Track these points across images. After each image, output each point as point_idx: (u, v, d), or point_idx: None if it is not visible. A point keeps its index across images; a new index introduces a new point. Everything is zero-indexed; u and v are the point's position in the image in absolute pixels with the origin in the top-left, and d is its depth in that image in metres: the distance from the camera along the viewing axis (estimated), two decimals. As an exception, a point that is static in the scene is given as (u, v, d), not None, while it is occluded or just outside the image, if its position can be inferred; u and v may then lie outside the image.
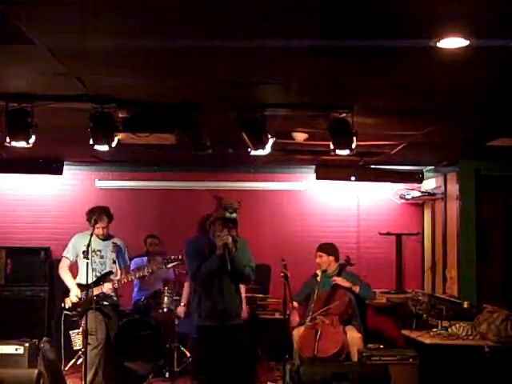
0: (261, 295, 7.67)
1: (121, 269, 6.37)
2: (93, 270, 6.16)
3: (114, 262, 6.29)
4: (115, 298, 6.34)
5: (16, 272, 8.17)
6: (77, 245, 6.27)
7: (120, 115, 5.00)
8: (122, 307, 6.80)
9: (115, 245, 6.35)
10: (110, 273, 6.26)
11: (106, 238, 6.35)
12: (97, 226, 6.17)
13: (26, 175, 8.31)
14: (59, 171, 7.87)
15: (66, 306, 6.26)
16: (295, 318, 6.63)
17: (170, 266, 6.76)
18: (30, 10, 3.03)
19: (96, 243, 6.21)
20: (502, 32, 3.29)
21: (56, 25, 3.25)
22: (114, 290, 6.25)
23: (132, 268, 7.15)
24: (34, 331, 7.15)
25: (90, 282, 5.85)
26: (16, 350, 6.12)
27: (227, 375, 5.13)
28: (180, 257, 6.51)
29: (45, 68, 4.01)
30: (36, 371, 5.14)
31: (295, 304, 6.59)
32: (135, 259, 7.65)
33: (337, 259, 6.92)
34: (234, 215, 5.19)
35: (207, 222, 5.32)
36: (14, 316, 7.78)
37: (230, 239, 5.02)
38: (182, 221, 8.10)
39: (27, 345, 6.14)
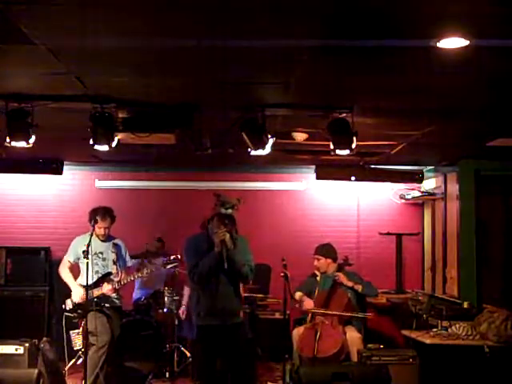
0: (261, 295, 7.67)
1: (121, 269, 6.35)
2: (96, 272, 6.19)
3: (115, 263, 6.28)
4: (116, 300, 6.33)
5: (16, 272, 8.16)
6: (77, 247, 6.26)
7: (120, 115, 5.00)
8: (122, 307, 6.77)
9: (115, 245, 6.35)
10: (110, 274, 6.25)
11: (107, 239, 6.33)
12: (99, 226, 6.16)
13: (26, 175, 8.31)
14: (59, 171, 7.86)
15: (67, 308, 6.27)
16: (309, 303, 6.64)
17: (168, 267, 6.76)
18: (29, 10, 3.02)
19: (97, 245, 6.20)
20: (501, 32, 3.29)
21: (56, 25, 3.25)
22: (115, 290, 6.23)
23: (131, 268, 7.13)
24: (34, 331, 7.13)
25: (90, 283, 5.85)
26: (16, 350, 6.10)
27: (227, 375, 5.12)
28: (179, 256, 6.50)
29: (45, 68, 4.00)
30: (36, 371, 5.15)
31: (300, 293, 6.66)
32: (134, 261, 7.63)
33: (335, 260, 6.89)
34: (230, 211, 5.15)
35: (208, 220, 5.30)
36: (14, 316, 7.77)
37: (228, 236, 4.97)
38: (181, 221, 8.09)
39: (27, 345, 6.12)
